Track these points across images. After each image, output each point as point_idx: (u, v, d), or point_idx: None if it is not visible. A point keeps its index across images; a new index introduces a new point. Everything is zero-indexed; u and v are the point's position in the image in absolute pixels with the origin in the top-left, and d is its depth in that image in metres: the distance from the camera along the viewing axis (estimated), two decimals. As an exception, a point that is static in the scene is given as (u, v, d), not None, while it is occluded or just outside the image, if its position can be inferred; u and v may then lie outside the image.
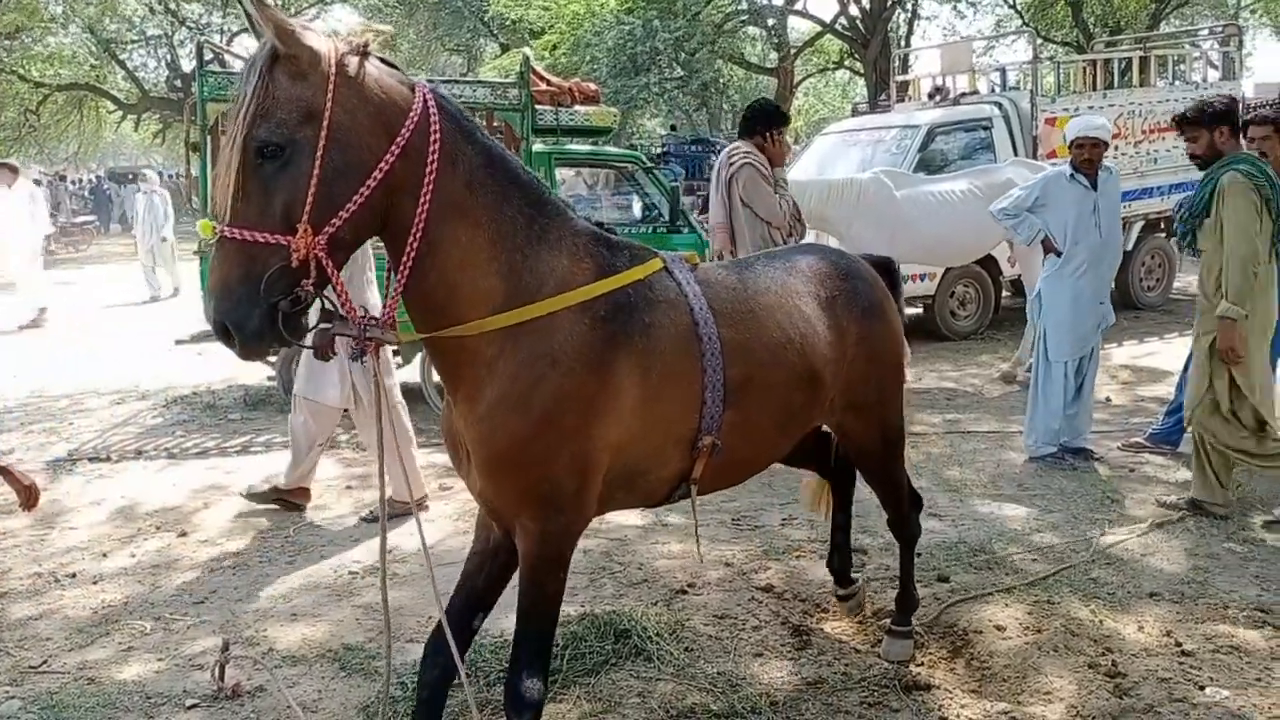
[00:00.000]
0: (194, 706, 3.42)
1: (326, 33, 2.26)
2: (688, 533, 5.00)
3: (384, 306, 2.45)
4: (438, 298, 2.40)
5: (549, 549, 2.58)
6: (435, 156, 2.31)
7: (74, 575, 4.64)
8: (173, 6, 23.55)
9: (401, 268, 2.36)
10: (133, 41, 28.32)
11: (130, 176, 32.33)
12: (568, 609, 4.03)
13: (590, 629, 3.79)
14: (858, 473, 3.75)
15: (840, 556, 3.90)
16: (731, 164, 6.01)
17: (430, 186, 2.31)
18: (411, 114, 2.29)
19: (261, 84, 2.15)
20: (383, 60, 2.33)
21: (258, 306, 2.16)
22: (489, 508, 2.69)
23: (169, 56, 30.54)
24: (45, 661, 3.79)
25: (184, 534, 5.15)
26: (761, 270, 3.09)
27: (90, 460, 6.58)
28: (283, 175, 2.16)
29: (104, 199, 32.54)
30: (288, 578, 4.54)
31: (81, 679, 3.64)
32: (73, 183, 34.81)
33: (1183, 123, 5.14)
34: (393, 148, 2.25)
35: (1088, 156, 5.86)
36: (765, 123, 6.08)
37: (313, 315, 2.37)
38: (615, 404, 2.53)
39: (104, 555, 4.89)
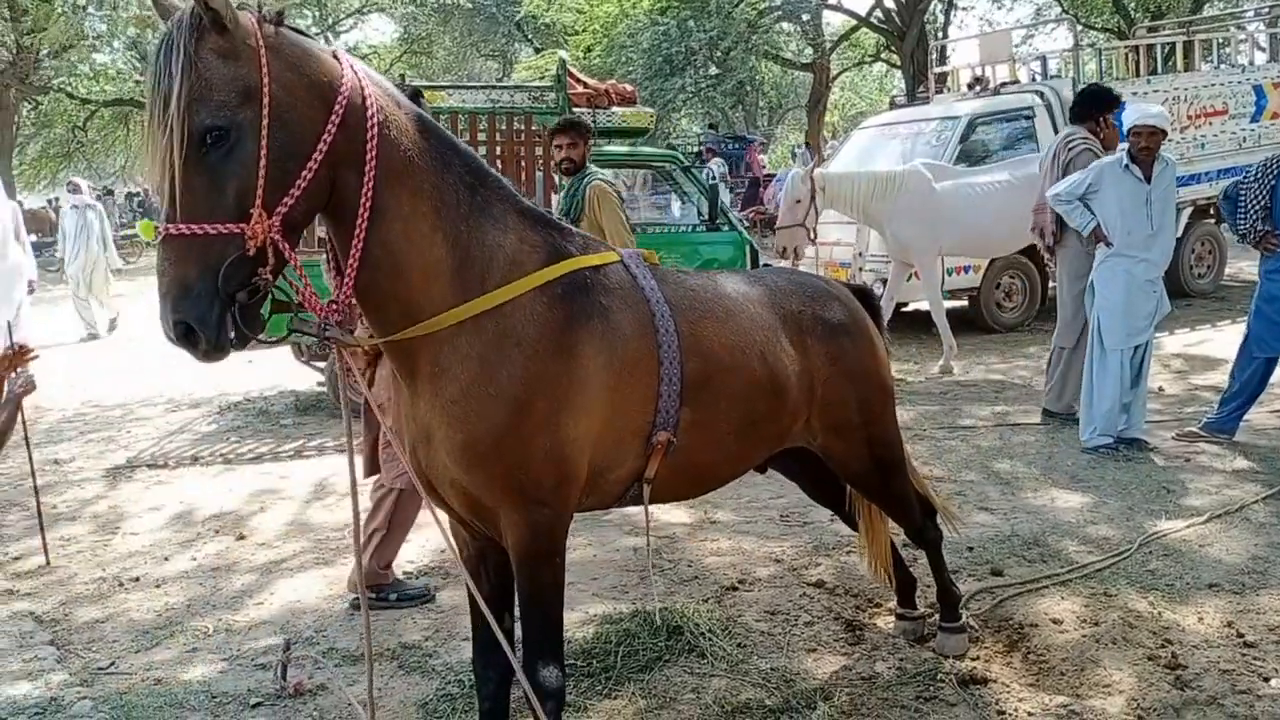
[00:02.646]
0: (258, 705, 3.49)
1: (237, 4, 2.09)
2: (736, 529, 5.02)
3: (339, 290, 2.31)
4: (384, 273, 2.30)
5: (540, 543, 2.53)
6: (374, 122, 2.21)
7: (137, 579, 4.75)
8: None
9: (354, 245, 2.23)
10: (175, 56, 28.83)
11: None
12: (620, 606, 4.07)
13: (643, 626, 3.80)
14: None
15: (898, 578, 3.81)
16: (1070, 148, 6.41)
17: (374, 154, 2.21)
18: (344, 82, 2.20)
19: (190, 65, 1.99)
20: (297, 29, 2.22)
21: (218, 299, 2.05)
22: (463, 501, 2.55)
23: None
24: (113, 663, 3.89)
25: (242, 537, 5.26)
26: (723, 279, 3.07)
27: (148, 467, 6.74)
28: (230, 161, 2.04)
29: (152, 211, 33.19)
30: (343, 578, 4.60)
31: (149, 679, 3.73)
32: (127, 195, 35.55)
33: (567, 128, 5.72)
34: (332, 118, 2.15)
35: (1145, 145, 5.79)
36: (1098, 108, 6.46)
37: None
38: (581, 387, 2.47)
39: (165, 559, 5.01)
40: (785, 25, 27.23)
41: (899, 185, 8.27)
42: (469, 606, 2.86)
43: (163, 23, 2.11)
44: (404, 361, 2.46)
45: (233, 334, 2.09)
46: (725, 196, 14.71)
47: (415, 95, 2.46)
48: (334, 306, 2.31)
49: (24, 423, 4.89)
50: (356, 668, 3.73)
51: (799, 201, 8.22)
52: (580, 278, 2.54)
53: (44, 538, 5.05)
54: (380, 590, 4.25)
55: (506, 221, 2.47)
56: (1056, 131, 10.05)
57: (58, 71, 25.40)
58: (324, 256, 2.41)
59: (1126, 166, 5.87)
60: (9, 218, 9.76)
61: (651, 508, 3.06)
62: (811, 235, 8.33)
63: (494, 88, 9.21)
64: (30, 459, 5.16)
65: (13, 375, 4.72)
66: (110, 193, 33.96)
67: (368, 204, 2.23)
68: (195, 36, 2.02)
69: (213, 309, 2.05)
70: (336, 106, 2.17)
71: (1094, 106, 6.47)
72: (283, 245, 2.11)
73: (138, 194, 36.73)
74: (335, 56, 2.26)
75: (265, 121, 2.06)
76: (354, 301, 2.35)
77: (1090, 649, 3.57)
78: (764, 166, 25.10)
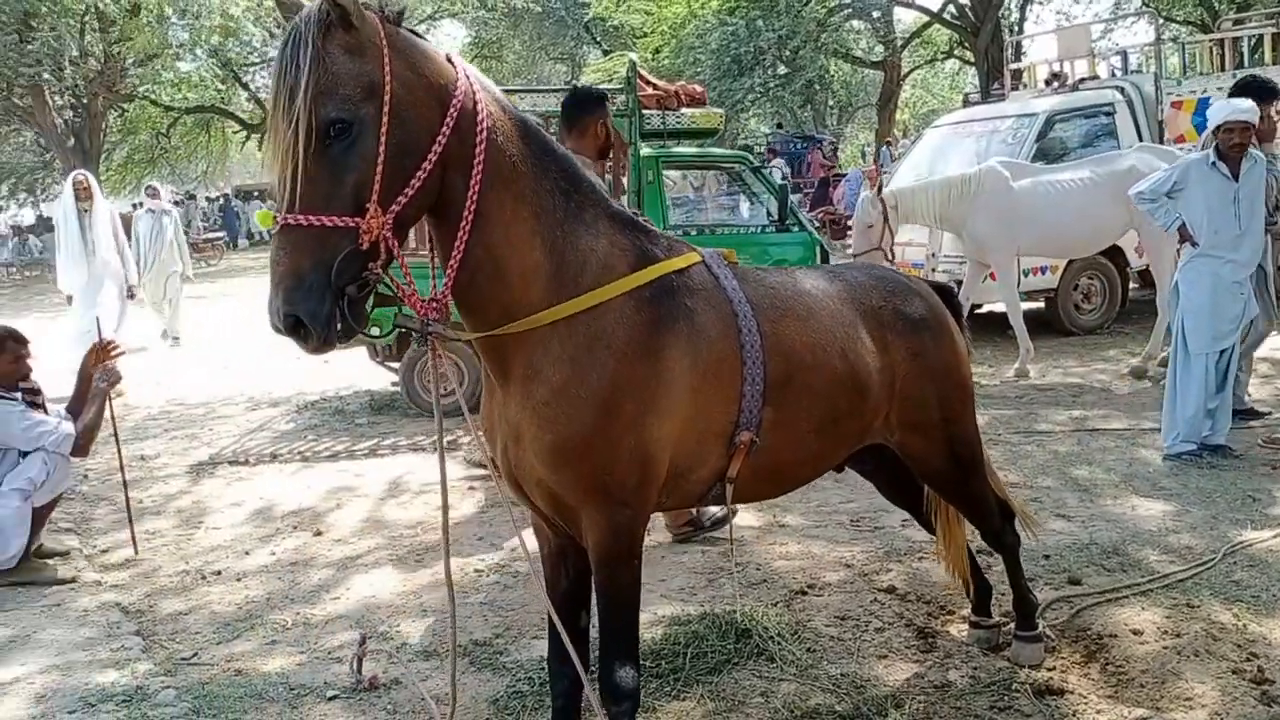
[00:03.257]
0: (334, 698, 3.57)
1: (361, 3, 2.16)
2: (805, 534, 4.98)
3: (438, 287, 2.37)
4: (484, 274, 2.35)
5: (619, 543, 2.56)
6: (484, 126, 2.27)
7: (219, 572, 4.90)
8: (292, 30, 24.59)
9: (457, 245, 2.29)
10: (255, 64, 29.56)
11: (256, 194, 33.77)
12: (688, 608, 4.07)
13: (711, 628, 3.80)
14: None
15: (973, 584, 3.76)
16: None
17: (481, 158, 2.26)
18: (459, 85, 2.26)
19: (318, 59, 2.05)
20: (414, 32, 2.28)
21: (329, 292, 2.09)
22: (548, 500, 2.59)
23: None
24: (196, 654, 4.01)
25: (319, 533, 5.38)
26: (802, 276, 3.06)
27: (229, 463, 6.93)
28: (350, 155, 2.09)
29: (231, 216, 34.16)
30: (416, 575, 4.70)
31: (230, 670, 3.83)
32: (206, 200, 36.63)
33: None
34: (447, 120, 2.21)
35: (1239, 141, 5.61)
36: (1257, 99, 6.24)
37: None
38: (667, 390, 2.50)
39: (246, 553, 5.15)
40: (855, 23, 26.97)
41: (975, 185, 8.11)
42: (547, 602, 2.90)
43: (284, 20, 2.19)
44: (498, 363, 2.51)
45: (339, 326, 2.13)
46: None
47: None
48: (434, 304, 2.36)
49: (114, 419, 5.07)
50: (430, 663, 3.80)
51: (871, 226, 8.12)
52: (667, 281, 2.57)
53: (133, 529, 5.24)
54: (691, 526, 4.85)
55: (599, 226, 2.51)
56: (1138, 128, 9.83)
57: (142, 80, 26.22)
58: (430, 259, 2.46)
59: (1214, 164, 5.70)
60: (107, 220, 9.87)
61: (721, 510, 3.08)
62: (889, 257, 8.19)
63: (564, 90, 9.27)
64: (120, 454, 5.35)
65: (99, 371, 4.92)
66: (193, 197, 35.06)
67: (473, 207, 2.28)
68: (323, 31, 2.08)
69: (324, 304, 2.09)
70: (451, 109, 2.23)
71: (1255, 98, 6.24)
72: (392, 242, 2.16)
73: (218, 198, 37.82)
74: (449, 59, 2.32)
75: (386, 118, 2.12)
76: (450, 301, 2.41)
77: (1171, 661, 3.48)
78: (831, 167, 24.83)
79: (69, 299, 9.67)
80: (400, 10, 2.22)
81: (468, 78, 2.31)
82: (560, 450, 2.44)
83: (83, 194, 9.51)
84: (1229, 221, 5.66)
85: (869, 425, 3.09)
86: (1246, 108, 5.69)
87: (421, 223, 2.42)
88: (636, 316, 2.48)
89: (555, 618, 2.64)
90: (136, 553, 5.15)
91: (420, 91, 2.20)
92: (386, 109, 2.11)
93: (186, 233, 28.70)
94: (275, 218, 2.11)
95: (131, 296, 10.14)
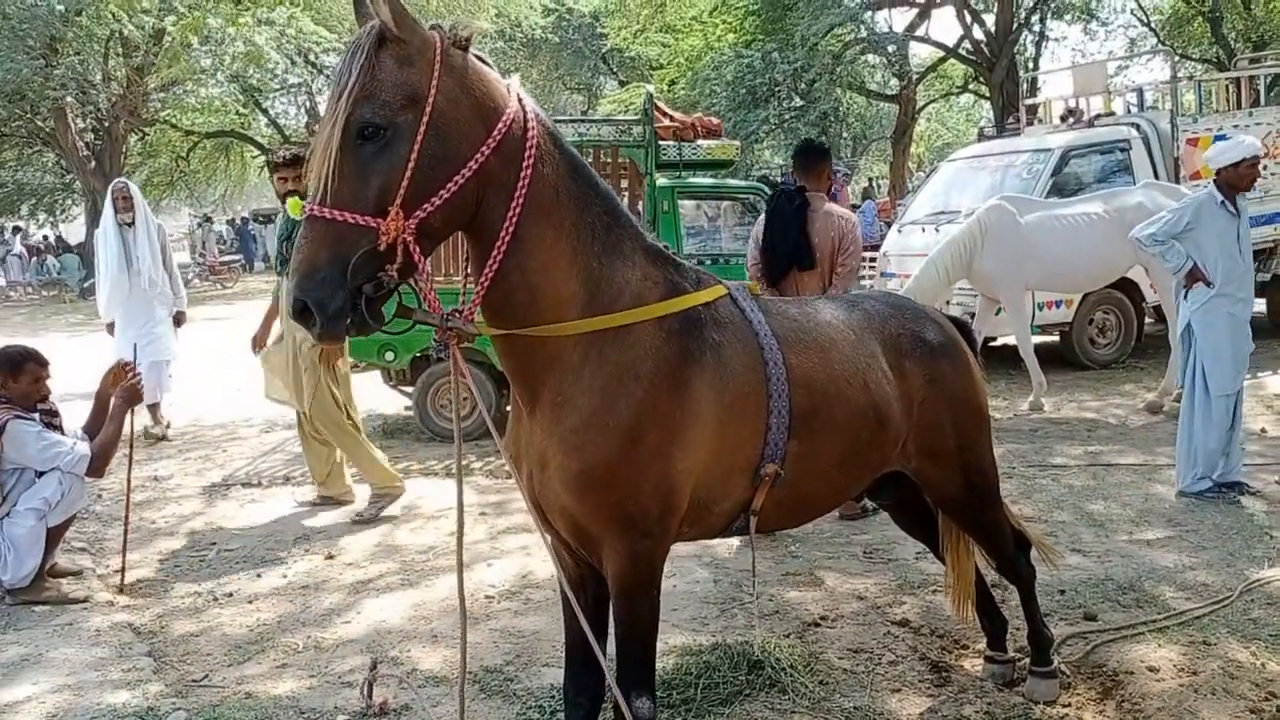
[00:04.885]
0: (344, 723, 3.57)
1: (430, 24, 2.28)
2: (818, 565, 4.96)
3: (466, 302, 2.44)
4: (519, 299, 2.40)
5: (640, 573, 2.58)
6: (531, 155, 2.33)
7: (230, 594, 4.90)
8: (312, 58, 24.92)
9: (489, 265, 2.35)
10: (275, 90, 29.88)
11: (274, 218, 34.00)
12: (700, 639, 4.05)
13: (723, 659, 3.78)
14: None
15: (988, 619, 3.73)
16: None
17: (525, 184, 2.32)
18: (509, 110, 2.32)
19: (368, 65, 2.16)
20: (479, 58, 2.35)
21: (342, 288, 2.14)
22: (570, 528, 2.62)
23: (308, 103, 32.17)
24: (206, 675, 4.00)
25: (331, 556, 5.37)
26: (823, 306, 3.10)
27: (243, 486, 6.94)
28: (380, 158, 2.17)
29: (248, 239, 34.38)
30: (428, 600, 4.69)
31: (240, 693, 3.83)
32: (226, 223, 36.92)
33: (293, 163, 5.61)
34: (489, 140, 2.26)
35: (1256, 176, 5.63)
36: None
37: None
38: (692, 421, 2.53)
39: (258, 576, 5.15)
40: (870, 57, 27.09)
41: (981, 230, 8.09)
42: (564, 629, 2.91)
43: (354, 29, 2.30)
44: (527, 389, 2.55)
45: (350, 321, 2.19)
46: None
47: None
48: (456, 313, 2.41)
49: (131, 438, 5.07)
50: (440, 689, 3.78)
51: None
52: (694, 314, 2.61)
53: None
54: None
55: (635, 259, 2.56)
56: (1153, 164, 9.83)
57: (164, 104, 26.52)
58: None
59: (1221, 203, 5.68)
60: (152, 234, 8.38)
61: (735, 540, 3.06)
62: None
63: (581, 121, 9.35)
64: (131, 447, 5.39)
65: (117, 391, 4.95)
66: (209, 220, 35.37)
67: (510, 229, 2.33)
68: (378, 41, 2.19)
69: (334, 296, 2.15)
70: (495, 131, 2.29)
71: None
72: (413, 247, 2.21)
73: (235, 221, 38.12)
74: (509, 88, 2.39)
75: (422, 128, 2.19)
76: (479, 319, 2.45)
77: (1188, 699, 3.44)
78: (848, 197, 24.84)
79: (109, 328, 8.42)
80: (469, 35, 2.29)
81: (522, 105, 2.37)
82: (585, 478, 2.47)
83: (122, 205, 8.30)
84: (1236, 259, 5.65)
85: (889, 454, 3.11)
86: (1257, 143, 5.72)
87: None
88: (665, 348, 2.52)
89: (579, 614, 2.57)
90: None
91: (465, 110, 2.26)
92: (425, 119, 2.18)
93: (202, 255, 29.07)
94: (305, 208, 2.20)
95: (179, 324, 8.93)
